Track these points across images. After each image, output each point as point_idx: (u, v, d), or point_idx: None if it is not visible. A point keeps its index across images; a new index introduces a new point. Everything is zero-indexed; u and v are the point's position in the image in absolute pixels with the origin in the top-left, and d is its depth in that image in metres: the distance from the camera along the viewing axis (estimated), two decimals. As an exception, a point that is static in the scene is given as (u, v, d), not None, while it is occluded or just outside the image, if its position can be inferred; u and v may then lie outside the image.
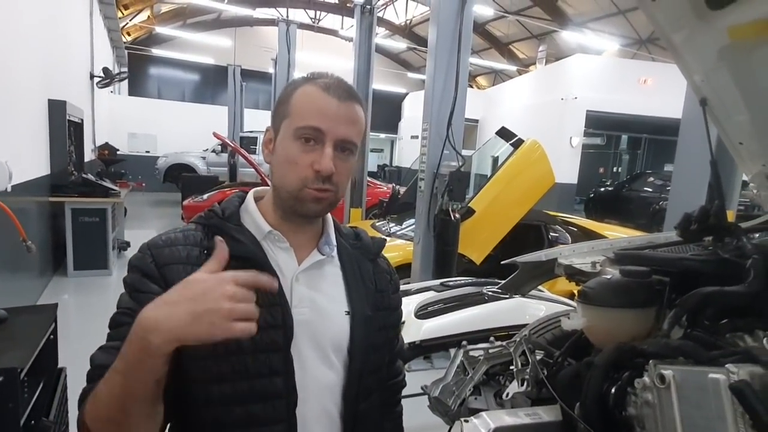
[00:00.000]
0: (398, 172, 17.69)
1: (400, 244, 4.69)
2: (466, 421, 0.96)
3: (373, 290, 0.90)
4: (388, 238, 4.96)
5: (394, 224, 5.47)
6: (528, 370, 1.11)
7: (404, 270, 4.25)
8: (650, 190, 10.94)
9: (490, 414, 0.96)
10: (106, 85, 8.67)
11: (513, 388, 1.12)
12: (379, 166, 23.34)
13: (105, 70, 8.14)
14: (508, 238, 4.36)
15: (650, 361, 0.79)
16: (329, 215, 0.91)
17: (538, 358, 1.13)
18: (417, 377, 1.70)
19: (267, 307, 0.76)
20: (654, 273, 1.09)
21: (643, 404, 0.81)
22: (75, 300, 4.85)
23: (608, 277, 1.09)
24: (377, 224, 5.64)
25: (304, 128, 0.77)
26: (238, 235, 0.79)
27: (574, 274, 1.32)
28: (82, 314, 4.47)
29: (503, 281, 1.85)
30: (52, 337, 1.64)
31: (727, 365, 0.69)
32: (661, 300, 1.06)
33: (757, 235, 1.25)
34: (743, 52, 1.16)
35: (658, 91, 11.57)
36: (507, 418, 0.96)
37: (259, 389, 0.75)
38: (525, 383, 1.09)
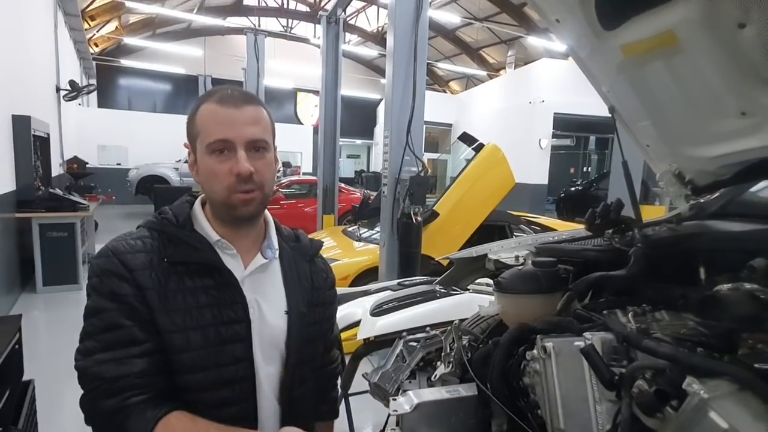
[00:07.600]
0: (375, 178, 17.77)
1: (370, 248, 4.80)
2: (394, 399, 1.08)
3: (308, 288, 1.01)
4: (359, 243, 5.09)
5: (365, 229, 5.58)
6: (453, 354, 1.24)
7: (374, 273, 4.37)
8: (616, 188, 11.27)
9: (415, 392, 1.09)
10: (74, 98, 8.56)
11: (440, 370, 1.25)
12: (356, 171, 23.42)
13: (71, 83, 8.05)
14: (474, 239, 4.52)
15: (537, 336, 0.93)
16: (270, 219, 1.01)
17: (464, 343, 1.26)
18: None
19: (230, 305, 0.87)
20: (562, 262, 1.23)
21: (533, 373, 0.94)
22: (45, 315, 4.81)
23: (520, 267, 1.24)
24: (348, 230, 5.75)
25: (214, 143, 0.86)
26: (196, 243, 0.88)
27: (501, 268, 1.45)
28: (52, 329, 4.45)
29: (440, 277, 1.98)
30: (17, 347, 1.70)
31: (585, 333, 0.83)
32: (566, 286, 1.20)
33: (657, 227, 1.42)
34: (636, 67, 1.32)
35: (620, 94, 11.92)
36: (429, 394, 1.09)
37: (227, 376, 0.86)
38: (450, 365, 1.22)
